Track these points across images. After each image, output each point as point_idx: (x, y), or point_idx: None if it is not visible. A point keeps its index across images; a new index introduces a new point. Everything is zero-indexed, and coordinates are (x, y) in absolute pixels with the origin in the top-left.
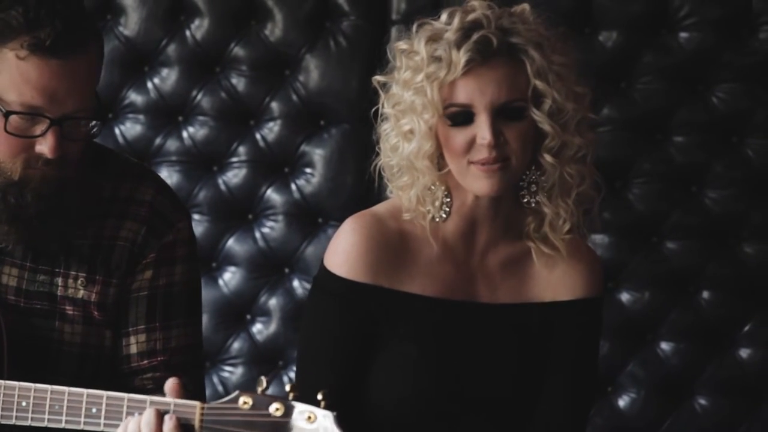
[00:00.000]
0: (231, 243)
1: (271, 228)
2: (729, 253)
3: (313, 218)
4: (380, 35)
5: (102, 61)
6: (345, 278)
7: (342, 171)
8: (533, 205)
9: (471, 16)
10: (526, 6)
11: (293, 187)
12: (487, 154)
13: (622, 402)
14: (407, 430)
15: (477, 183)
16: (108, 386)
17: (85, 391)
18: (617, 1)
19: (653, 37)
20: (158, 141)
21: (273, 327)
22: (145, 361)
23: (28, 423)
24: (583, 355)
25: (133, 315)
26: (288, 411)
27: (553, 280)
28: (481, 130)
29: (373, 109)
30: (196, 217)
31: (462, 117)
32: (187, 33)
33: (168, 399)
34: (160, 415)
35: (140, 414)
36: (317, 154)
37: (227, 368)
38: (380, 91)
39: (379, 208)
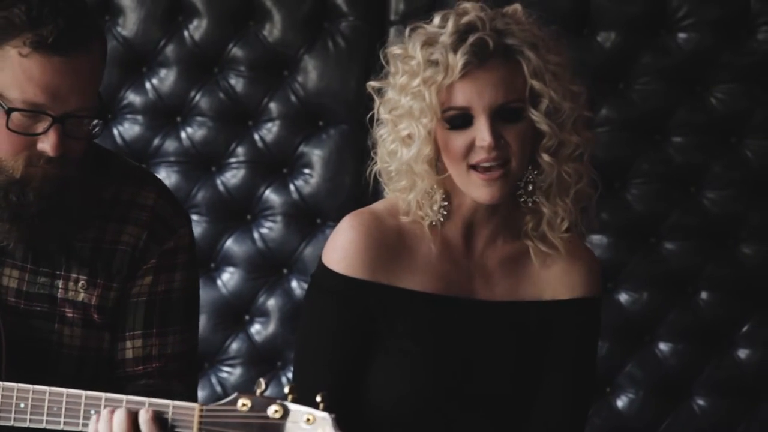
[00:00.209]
0: (229, 243)
1: (270, 228)
2: (727, 253)
3: (312, 219)
4: (379, 36)
5: (105, 60)
6: (343, 275)
7: (340, 171)
8: (530, 204)
9: (465, 19)
10: (517, 6)
11: (292, 187)
12: (487, 155)
13: (621, 402)
14: (405, 428)
15: (478, 191)
16: (106, 389)
17: (83, 392)
18: (615, 1)
19: (651, 37)
20: (157, 141)
21: (271, 327)
22: (140, 367)
23: (27, 424)
24: (582, 354)
25: (131, 320)
26: (287, 413)
27: (552, 279)
28: (481, 132)
29: (369, 115)
30: (194, 217)
31: (461, 120)
32: (186, 33)
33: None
34: (132, 414)
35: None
36: (316, 154)
37: (226, 369)
38: (375, 97)
39: (378, 205)
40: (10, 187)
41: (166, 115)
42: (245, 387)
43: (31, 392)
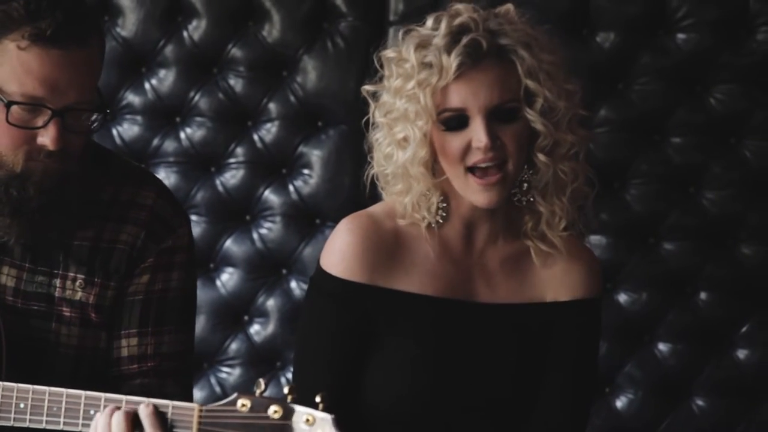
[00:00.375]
0: (229, 244)
1: (269, 229)
2: (726, 254)
3: (311, 219)
4: (378, 36)
5: (103, 56)
6: (341, 278)
7: (339, 172)
8: (524, 203)
9: (458, 20)
10: (510, 6)
11: (291, 188)
12: (483, 155)
13: (620, 403)
14: (404, 428)
15: (476, 196)
16: (103, 388)
17: (83, 392)
18: (614, 2)
19: (651, 38)
20: (156, 142)
21: (271, 328)
22: (135, 366)
23: (26, 424)
24: (583, 355)
25: (127, 318)
26: (286, 413)
27: (553, 280)
28: (477, 133)
29: (364, 119)
30: (193, 218)
31: (456, 122)
32: (185, 34)
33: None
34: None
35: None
36: (315, 155)
37: (225, 369)
38: (370, 101)
39: (375, 208)
40: (10, 182)
41: (165, 115)
42: (244, 387)
43: (30, 392)
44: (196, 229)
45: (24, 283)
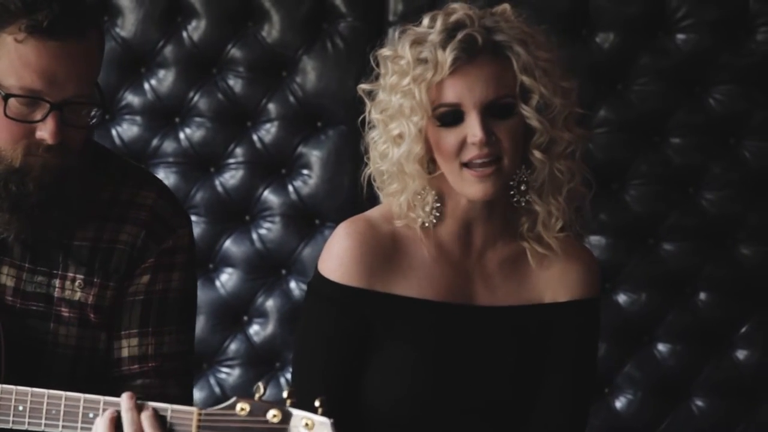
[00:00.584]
0: (228, 244)
1: (268, 229)
2: (726, 254)
3: (310, 220)
4: (377, 37)
5: (102, 51)
6: (339, 283)
7: (339, 172)
8: (523, 204)
9: (453, 17)
10: (506, 6)
11: (290, 188)
12: (479, 151)
13: (619, 403)
14: (403, 430)
15: (470, 188)
16: (101, 388)
17: (81, 395)
18: (614, 2)
19: (650, 38)
20: (155, 142)
21: (270, 328)
22: (136, 366)
23: (25, 427)
24: (582, 356)
25: (127, 319)
26: (285, 417)
27: (552, 281)
28: (472, 128)
29: (360, 118)
30: (193, 218)
31: (451, 117)
32: (184, 34)
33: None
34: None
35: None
36: (314, 155)
37: (224, 369)
38: (366, 100)
39: (373, 212)
40: (9, 177)
41: (164, 115)
42: (244, 388)
43: (29, 395)
44: (196, 230)
45: (23, 283)
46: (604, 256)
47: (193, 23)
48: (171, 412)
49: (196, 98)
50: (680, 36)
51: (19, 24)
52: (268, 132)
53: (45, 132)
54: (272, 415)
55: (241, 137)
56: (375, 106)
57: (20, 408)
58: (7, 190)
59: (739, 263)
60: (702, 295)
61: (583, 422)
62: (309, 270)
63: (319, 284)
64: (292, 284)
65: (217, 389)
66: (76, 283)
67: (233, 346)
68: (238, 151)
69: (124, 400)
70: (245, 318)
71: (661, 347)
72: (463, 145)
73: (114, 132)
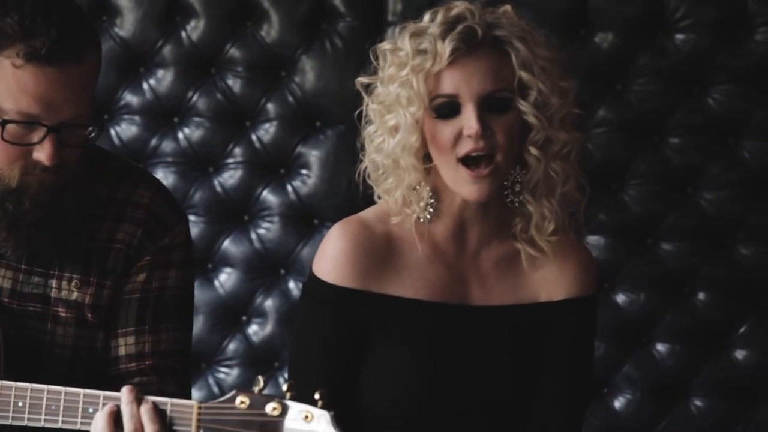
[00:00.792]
0: (227, 244)
1: (267, 229)
2: (725, 254)
3: (309, 219)
4: (376, 36)
5: (100, 67)
6: (334, 284)
7: (337, 172)
8: (516, 204)
9: (454, 12)
10: (508, 6)
11: (289, 188)
12: (474, 144)
13: (618, 403)
14: (399, 430)
15: (466, 188)
16: (100, 388)
17: (81, 391)
18: (613, 2)
19: (649, 38)
20: (154, 142)
21: (269, 328)
22: (133, 364)
23: (25, 423)
24: (579, 354)
25: (124, 317)
26: (285, 410)
27: (547, 280)
28: (468, 120)
29: (357, 111)
30: (191, 218)
31: (448, 108)
32: (183, 34)
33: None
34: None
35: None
36: (313, 155)
37: (223, 369)
38: (364, 94)
39: (367, 213)
40: (6, 196)
41: (163, 115)
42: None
43: (29, 390)
44: (194, 230)
45: (20, 285)
46: (602, 256)
47: (192, 23)
48: (171, 406)
49: (194, 98)
50: (679, 36)
51: (17, 49)
52: (266, 132)
53: (42, 154)
54: (272, 408)
55: (239, 137)
56: (372, 99)
57: (20, 404)
58: (4, 210)
59: (738, 263)
60: (701, 295)
61: (580, 421)
62: (307, 270)
63: (313, 285)
64: (291, 284)
65: (215, 389)
66: (73, 283)
67: (232, 346)
68: (237, 150)
69: (124, 394)
70: (244, 318)
71: (660, 347)
72: (458, 137)
73: (113, 132)
